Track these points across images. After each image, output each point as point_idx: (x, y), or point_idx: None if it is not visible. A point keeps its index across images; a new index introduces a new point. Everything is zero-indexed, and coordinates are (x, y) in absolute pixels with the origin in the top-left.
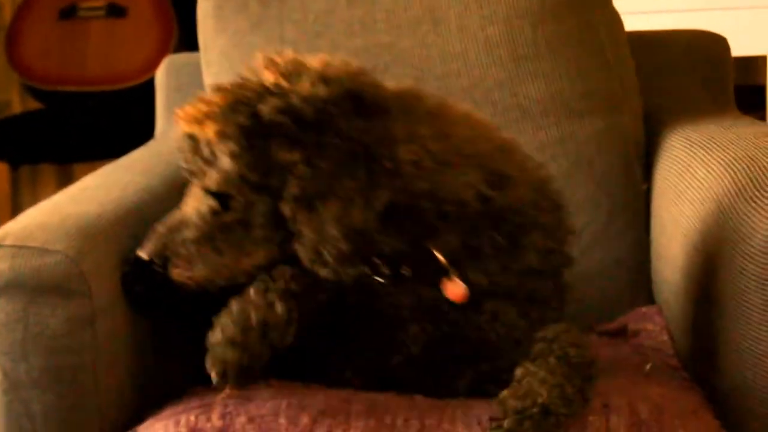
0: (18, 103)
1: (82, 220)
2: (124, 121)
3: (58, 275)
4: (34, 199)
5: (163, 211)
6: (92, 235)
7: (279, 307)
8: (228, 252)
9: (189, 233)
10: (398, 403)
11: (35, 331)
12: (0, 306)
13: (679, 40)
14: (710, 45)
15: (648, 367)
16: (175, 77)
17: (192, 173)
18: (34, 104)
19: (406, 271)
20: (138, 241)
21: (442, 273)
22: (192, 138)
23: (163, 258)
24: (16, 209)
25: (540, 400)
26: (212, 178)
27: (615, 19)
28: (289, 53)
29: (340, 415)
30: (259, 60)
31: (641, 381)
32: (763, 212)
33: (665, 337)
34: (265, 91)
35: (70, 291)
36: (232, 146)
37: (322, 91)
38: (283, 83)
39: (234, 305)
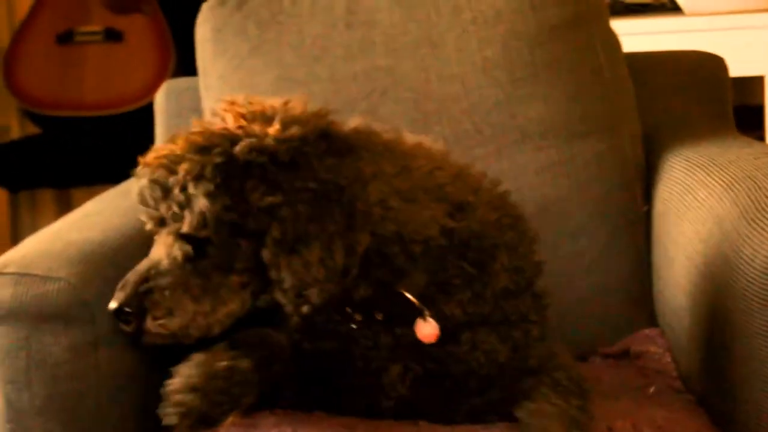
0: (17, 129)
1: (85, 247)
2: (123, 145)
3: (61, 303)
4: (34, 224)
5: None
6: (95, 262)
7: (245, 363)
8: (204, 299)
9: (164, 280)
10: (402, 429)
11: (38, 358)
12: (2, 334)
13: (677, 61)
14: (708, 66)
15: (652, 389)
16: (174, 101)
17: (161, 221)
18: (32, 129)
19: (378, 316)
20: None
21: (415, 313)
22: (160, 183)
23: (138, 307)
24: (15, 234)
25: None
26: (188, 222)
27: (613, 40)
28: (249, 97)
29: None
30: (220, 105)
31: (645, 403)
32: (764, 233)
33: (668, 359)
34: (233, 134)
35: (72, 318)
36: (208, 186)
37: (294, 131)
38: (250, 126)
39: (197, 356)
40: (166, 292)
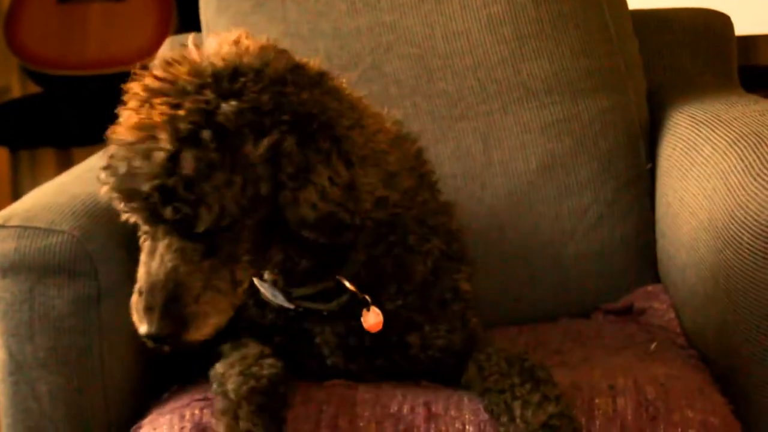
0: (17, 88)
1: (88, 201)
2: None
3: (64, 256)
4: (34, 184)
5: None
6: (98, 216)
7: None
8: (229, 289)
9: (193, 288)
10: (404, 390)
11: (41, 311)
12: (5, 286)
13: (682, 18)
14: (713, 23)
15: (653, 345)
16: None
17: (154, 218)
18: (33, 88)
19: (324, 310)
20: None
21: (361, 305)
22: (161, 187)
23: (176, 326)
24: (15, 193)
25: (551, 409)
26: (205, 220)
27: None
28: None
29: (345, 404)
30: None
31: (647, 359)
32: None
33: (672, 316)
34: (205, 103)
35: (76, 271)
36: (220, 176)
37: (269, 71)
38: (218, 86)
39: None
40: (200, 299)
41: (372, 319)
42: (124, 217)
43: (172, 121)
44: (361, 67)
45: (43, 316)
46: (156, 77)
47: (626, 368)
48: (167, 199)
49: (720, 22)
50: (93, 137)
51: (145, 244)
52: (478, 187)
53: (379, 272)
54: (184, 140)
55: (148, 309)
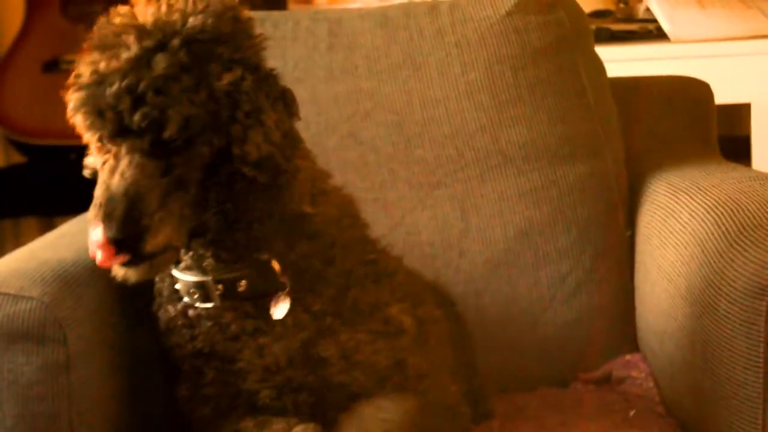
0: (1, 157)
1: (58, 267)
2: None
3: (33, 322)
4: None
5: None
6: (68, 282)
7: None
8: (177, 214)
9: (152, 203)
10: None
11: (10, 378)
12: None
13: (661, 85)
14: (693, 90)
15: (632, 413)
16: None
17: (118, 132)
18: (17, 158)
19: (241, 286)
20: (115, 287)
21: (276, 288)
22: (131, 90)
23: (134, 233)
24: None
25: None
26: (171, 127)
27: (597, 64)
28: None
29: None
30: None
31: (625, 427)
32: (747, 255)
33: (650, 384)
34: (171, 24)
35: (44, 338)
36: (187, 82)
37: (227, 12)
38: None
39: None
40: (156, 214)
41: (281, 307)
42: (86, 138)
43: (140, 27)
44: (339, 134)
45: (11, 383)
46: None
47: None
48: (136, 103)
49: (699, 89)
50: (76, 207)
51: (105, 165)
52: (455, 254)
53: (300, 270)
54: (155, 46)
55: (108, 215)
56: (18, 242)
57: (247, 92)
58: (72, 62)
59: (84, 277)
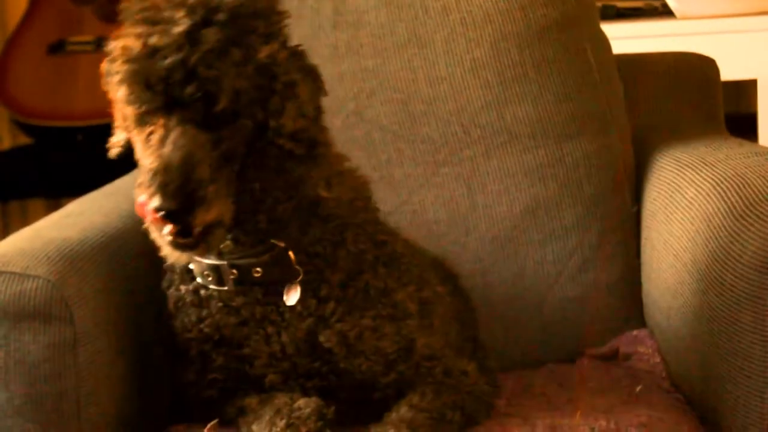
0: (8, 139)
1: (64, 246)
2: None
3: (39, 300)
4: None
5: (147, 237)
6: (74, 261)
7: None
8: (225, 190)
9: (204, 175)
10: None
11: (16, 357)
12: None
13: (667, 62)
14: (699, 66)
15: (638, 388)
16: None
17: (167, 106)
18: (23, 139)
19: (257, 272)
20: (121, 266)
21: (290, 276)
22: (185, 63)
23: (189, 203)
24: None
25: None
26: (224, 100)
27: (602, 40)
28: None
29: None
30: None
31: (631, 402)
32: (753, 229)
33: (657, 360)
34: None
35: (51, 316)
36: (235, 56)
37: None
38: None
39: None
40: (209, 186)
41: (293, 295)
42: (133, 111)
43: (185, 2)
44: (344, 113)
45: (18, 362)
46: None
47: (609, 410)
48: (188, 77)
49: (705, 66)
50: (83, 187)
51: (153, 137)
52: (462, 232)
53: (310, 255)
54: (202, 20)
55: (164, 185)
56: (25, 223)
57: (284, 65)
58: (78, 43)
59: (90, 256)
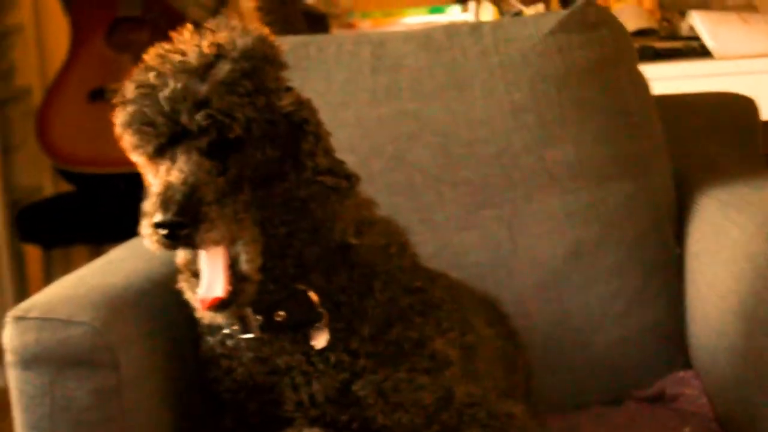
0: (50, 187)
1: (108, 292)
2: None
3: (84, 347)
4: None
5: None
6: (118, 307)
7: None
8: (231, 214)
9: (209, 195)
10: None
11: (62, 404)
12: (27, 379)
13: (707, 102)
14: (739, 107)
15: (686, 430)
16: None
17: (173, 138)
18: (65, 187)
19: (279, 316)
20: (164, 312)
21: (314, 318)
22: (191, 92)
23: (192, 220)
24: None
25: None
26: (238, 125)
27: (641, 81)
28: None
29: None
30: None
31: None
32: None
33: (704, 401)
34: (233, 40)
35: (96, 362)
36: (247, 87)
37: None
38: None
39: None
40: (212, 207)
41: (321, 338)
42: (135, 157)
43: (198, 42)
44: (385, 157)
45: (63, 409)
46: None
47: None
48: (198, 106)
49: (745, 105)
50: (125, 233)
51: (161, 172)
52: (504, 275)
53: (337, 304)
54: (214, 56)
55: (165, 202)
56: (68, 270)
57: (311, 109)
58: (117, 91)
59: (134, 301)
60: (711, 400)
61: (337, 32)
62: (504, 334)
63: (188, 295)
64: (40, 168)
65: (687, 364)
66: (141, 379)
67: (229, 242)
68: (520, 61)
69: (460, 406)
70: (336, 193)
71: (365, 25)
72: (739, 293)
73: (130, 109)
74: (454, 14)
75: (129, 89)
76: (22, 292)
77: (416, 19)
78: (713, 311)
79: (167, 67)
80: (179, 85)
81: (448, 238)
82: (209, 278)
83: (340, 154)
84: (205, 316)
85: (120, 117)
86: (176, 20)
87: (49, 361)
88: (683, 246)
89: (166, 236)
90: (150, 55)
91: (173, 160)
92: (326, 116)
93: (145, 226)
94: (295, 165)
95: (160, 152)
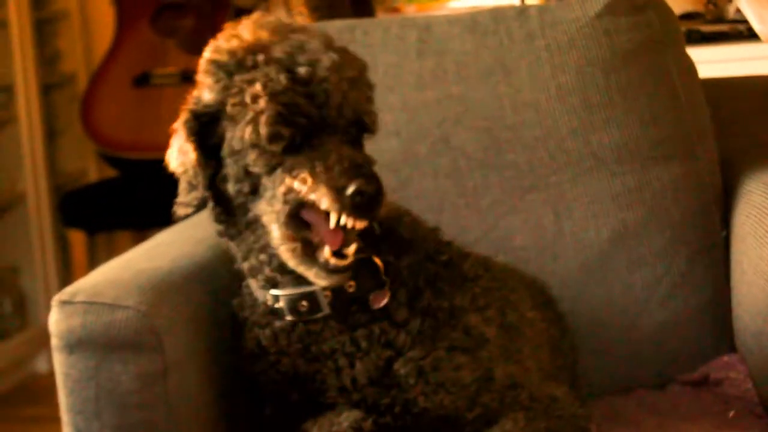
0: (94, 172)
1: (154, 276)
2: None
3: (130, 331)
4: None
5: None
6: (163, 291)
7: None
8: None
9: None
10: None
11: (108, 387)
12: (72, 363)
13: (753, 85)
14: None
15: (732, 414)
16: None
17: (309, 130)
18: (110, 172)
19: (351, 287)
20: (211, 295)
21: (380, 284)
22: (335, 90)
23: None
24: None
25: None
26: (375, 119)
27: (688, 63)
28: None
29: None
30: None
31: (724, 428)
32: None
33: (749, 385)
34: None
35: (141, 346)
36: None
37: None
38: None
39: None
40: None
41: (381, 298)
42: (276, 147)
43: (319, 36)
44: (430, 140)
45: (109, 393)
46: None
47: None
48: (369, 98)
49: None
50: (169, 219)
51: (322, 157)
52: (549, 258)
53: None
54: (336, 49)
55: (365, 174)
56: (112, 255)
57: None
58: (162, 76)
59: (179, 285)
60: (756, 384)
61: (382, 16)
62: (551, 317)
63: (295, 262)
64: (85, 153)
65: (732, 348)
66: (185, 363)
67: None
68: (566, 44)
69: (501, 388)
70: None
71: (410, 10)
72: None
73: (282, 98)
74: None
75: (273, 76)
76: (67, 277)
77: (462, 3)
78: (759, 295)
79: (310, 60)
80: (329, 85)
81: (493, 222)
82: None
83: (385, 138)
84: (324, 280)
85: (263, 109)
86: (221, 5)
87: (94, 345)
88: (729, 229)
89: (359, 206)
90: (273, 37)
91: (333, 148)
92: None
93: (330, 198)
94: None
95: (313, 136)
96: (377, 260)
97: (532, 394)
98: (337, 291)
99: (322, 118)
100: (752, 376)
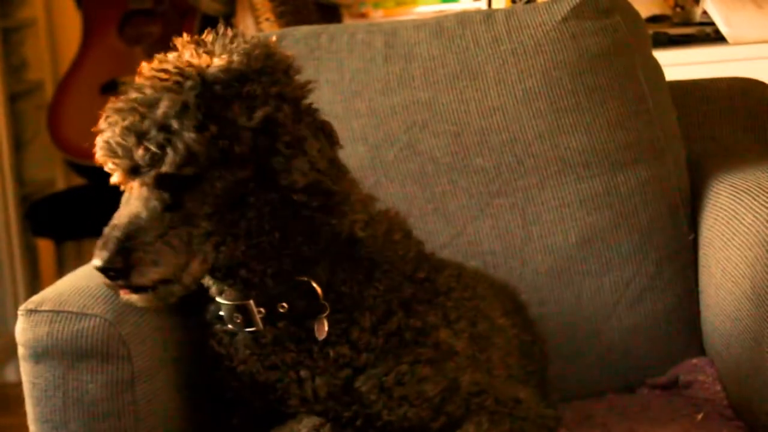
0: (62, 180)
1: None
2: None
3: (97, 339)
4: None
5: None
6: None
7: None
8: (181, 251)
9: (147, 235)
10: None
11: (75, 396)
12: (39, 372)
13: (720, 87)
14: (752, 91)
15: (700, 416)
16: None
17: (132, 170)
18: (77, 180)
19: (282, 308)
20: (180, 303)
21: (317, 310)
22: (134, 129)
23: (124, 264)
24: None
25: None
26: (170, 161)
27: (655, 67)
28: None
29: None
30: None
31: (693, 430)
32: None
33: (718, 388)
34: (196, 67)
35: (108, 355)
36: (195, 118)
37: (257, 50)
38: (205, 57)
39: None
40: (149, 247)
41: (323, 328)
42: (113, 179)
43: (157, 75)
44: (397, 146)
45: (76, 402)
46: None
47: None
48: (139, 140)
49: (758, 90)
50: None
51: (123, 198)
52: (517, 263)
53: (339, 294)
54: (167, 89)
55: (104, 244)
56: (80, 263)
57: (284, 124)
58: (130, 83)
59: None
60: (725, 386)
61: (349, 22)
62: (521, 323)
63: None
64: (52, 162)
65: (701, 351)
66: (153, 371)
67: (175, 273)
68: (532, 48)
69: (466, 396)
70: (309, 209)
71: (377, 15)
72: (753, 279)
73: (101, 136)
74: (467, 2)
75: (108, 112)
76: (36, 286)
77: (429, 8)
78: (727, 297)
79: (125, 100)
80: (125, 123)
81: (461, 226)
82: None
83: (353, 144)
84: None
85: (99, 145)
86: (188, 12)
87: (61, 353)
88: (697, 232)
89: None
90: (140, 74)
91: (131, 191)
92: (339, 106)
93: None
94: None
95: (125, 175)
96: (315, 285)
97: (497, 397)
98: (269, 308)
99: (128, 157)
100: (721, 379)
